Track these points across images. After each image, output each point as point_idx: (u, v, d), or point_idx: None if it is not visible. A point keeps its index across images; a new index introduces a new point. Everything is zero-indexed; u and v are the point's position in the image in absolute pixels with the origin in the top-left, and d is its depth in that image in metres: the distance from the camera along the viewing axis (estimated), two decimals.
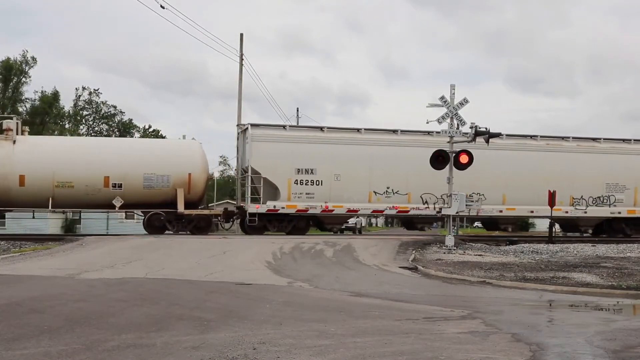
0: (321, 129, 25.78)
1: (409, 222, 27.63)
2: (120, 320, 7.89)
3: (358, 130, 26.09)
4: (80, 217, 36.12)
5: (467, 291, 11.99)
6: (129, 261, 15.45)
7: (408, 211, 25.52)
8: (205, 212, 24.86)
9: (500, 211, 26.00)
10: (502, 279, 13.32)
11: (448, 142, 21.38)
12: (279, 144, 24.63)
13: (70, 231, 36.89)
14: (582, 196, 26.92)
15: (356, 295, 11.01)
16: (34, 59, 57.02)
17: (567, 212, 26.69)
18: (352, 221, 38.21)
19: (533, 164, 26.44)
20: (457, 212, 22.21)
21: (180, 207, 23.40)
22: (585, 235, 28.22)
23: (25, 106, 59.09)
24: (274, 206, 24.34)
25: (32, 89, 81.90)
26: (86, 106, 66.47)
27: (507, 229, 27.99)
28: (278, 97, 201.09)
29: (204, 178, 24.40)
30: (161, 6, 30.95)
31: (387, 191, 25.20)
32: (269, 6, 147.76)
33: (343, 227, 29.95)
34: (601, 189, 27.02)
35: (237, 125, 26.88)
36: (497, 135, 23.92)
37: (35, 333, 7.01)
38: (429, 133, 25.75)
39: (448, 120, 21.28)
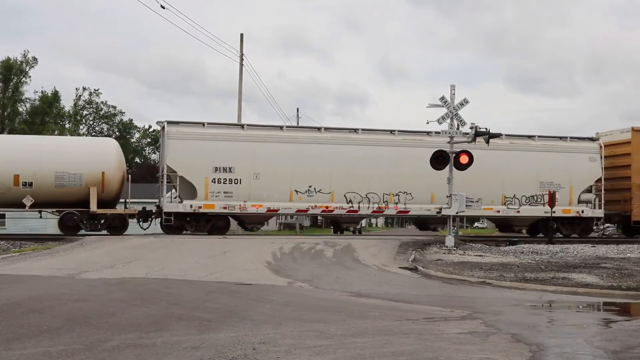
0: (242, 126, 25.09)
1: (335, 222, 26.87)
2: (120, 320, 7.89)
3: (280, 127, 25.61)
4: None
5: (467, 291, 12.00)
6: (128, 261, 15.45)
7: (332, 210, 24.71)
8: (119, 211, 24.17)
9: (429, 210, 25.05)
10: (502, 280, 13.32)
11: (448, 142, 21.38)
12: (196, 142, 23.86)
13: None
14: (514, 195, 26.16)
15: (356, 295, 11.01)
16: (34, 59, 57.14)
17: (498, 211, 25.95)
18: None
19: None
20: (371, 212, 22.42)
21: (93, 207, 22.86)
22: (520, 235, 27.40)
23: (25, 106, 59.11)
24: (191, 205, 23.61)
25: (32, 89, 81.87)
26: (86, 106, 66.51)
27: (436, 229, 27.14)
28: (277, 96, 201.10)
29: (119, 177, 23.70)
30: (161, 6, 31.04)
31: (309, 190, 24.42)
32: (267, 5, 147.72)
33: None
34: (535, 188, 26.26)
35: (157, 123, 26.15)
36: (497, 135, 23.90)
37: (35, 333, 7.01)
38: (355, 130, 25.39)
39: (448, 120, 21.30)
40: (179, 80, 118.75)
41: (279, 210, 24.88)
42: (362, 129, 25.59)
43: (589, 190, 26.96)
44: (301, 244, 19.47)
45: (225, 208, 23.82)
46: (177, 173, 23.88)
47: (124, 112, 67.81)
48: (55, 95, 60.25)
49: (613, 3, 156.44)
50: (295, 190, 24.32)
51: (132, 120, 71.63)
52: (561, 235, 26.49)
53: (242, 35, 39.31)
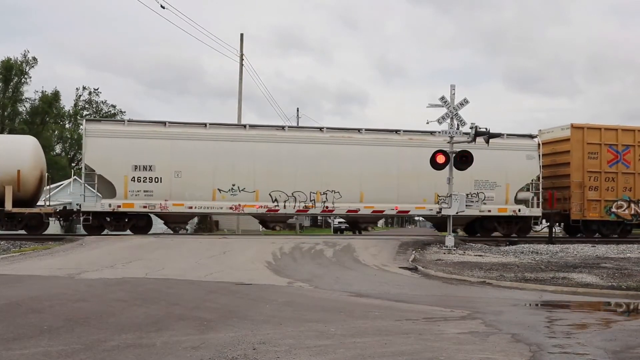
0: (164, 123, 24.36)
1: (262, 221, 26.26)
2: (120, 320, 7.89)
3: (204, 125, 25.15)
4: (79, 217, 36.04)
5: (467, 291, 11.99)
6: (128, 261, 15.46)
7: (258, 209, 24.15)
8: (36, 210, 23.60)
9: (358, 209, 24.66)
10: (502, 280, 13.32)
11: (448, 142, 21.39)
12: (115, 140, 23.26)
13: (70, 231, 36.86)
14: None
15: (356, 295, 11.01)
16: (34, 59, 57.17)
17: (431, 209, 25.12)
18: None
19: (391, 160, 24.97)
20: (294, 209, 22.42)
21: (8, 206, 22.43)
22: (456, 232, 26.68)
23: (25, 106, 59.13)
24: (110, 204, 23.09)
25: (32, 89, 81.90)
26: (86, 106, 66.52)
27: (367, 228, 26.54)
28: (275, 96, 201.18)
29: (36, 175, 23.16)
30: (161, 6, 31.05)
31: (232, 188, 23.91)
32: (265, 4, 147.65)
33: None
34: (469, 186, 25.25)
35: (78, 121, 25.83)
36: (498, 135, 23.90)
37: (35, 333, 7.01)
38: (283, 128, 25.12)
39: (448, 120, 21.33)
40: (177, 80, 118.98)
41: (201, 209, 24.19)
42: (289, 127, 25.33)
43: (526, 189, 26.31)
44: (301, 244, 19.48)
45: (145, 207, 23.31)
46: (95, 171, 23.35)
47: (125, 112, 67.77)
48: (56, 95, 60.29)
49: (613, 2, 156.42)
50: (218, 189, 23.81)
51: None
52: (500, 235, 25.74)
53: (242, 35, 39.35)
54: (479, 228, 26.31)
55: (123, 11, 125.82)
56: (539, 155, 26.26)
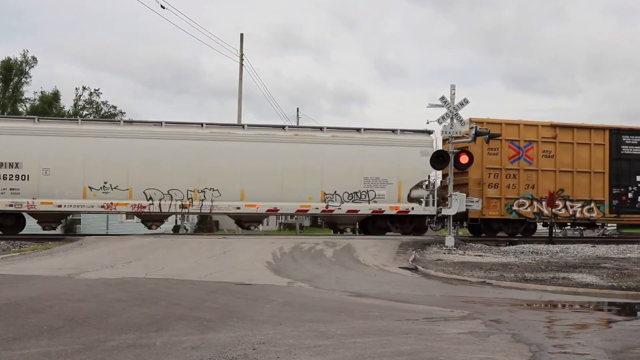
0: (33, 119, 23.70)
1: (143, 220, 25.20)
2: (119, 320, 7.89)
3: (76, 120, 24.41)
4: (80, 217, 36.14)
5: (467, 291, 11.99)
6: (128, 261, 15.45)
7: (131, 207, 23.37)
8: None
9: (238, 208, 23.87)
10: (502, 280, 13.32)
11: (449, 142, 21.40)
12: None
13: (70, 231, 36.91)
14: (335, 191, 24.32)
15: (356, 295, 11.01)
16: (34, 58, 57.16)
17: (317, 208, 24.33)
18: None
19: (275, 157, 24.08)
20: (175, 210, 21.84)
21: None
22: (345, 232, 25.98)
23: (25, 106, 59.18)
24: None
25: (32, 89, 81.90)
26: (86, 106, 66.53)
27: (250, 227, 25.76)
28: (274, 95, 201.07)
29: None
30: (161, 6, 31.05)
31: (104, 186, 23.01)
32: (263, 4, 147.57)
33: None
34: (359, 184, 24.43)
35: None
36: (498, 135, 23.91)
37: (35, 333, 7.01)
38: (160, 124, 24.29)
39: (448, 120, 21.33)
40: (176, 79, 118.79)
41: (70, 207, 23.24)
42: (166, 122, 24.44)
43: (420, 186, 25.14)
44: (301, 244, 19.48)
45: (11, 205, 22.45)
46: None
47: (125, 112, 67.73)
48: (56, 95, 60.28)
49: (612, 1, 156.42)
50: (89, 187, 23.07)
51: (131, 120, 71.51)
52: (398, 234, 24.77)
53: (242, 35, 39.31)
54: (371, 227, 25.17)
55: (121, 11, 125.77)
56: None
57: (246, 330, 7.38)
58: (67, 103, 64.85)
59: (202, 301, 9.69)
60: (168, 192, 23.44)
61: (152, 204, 23.39)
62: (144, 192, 23.31)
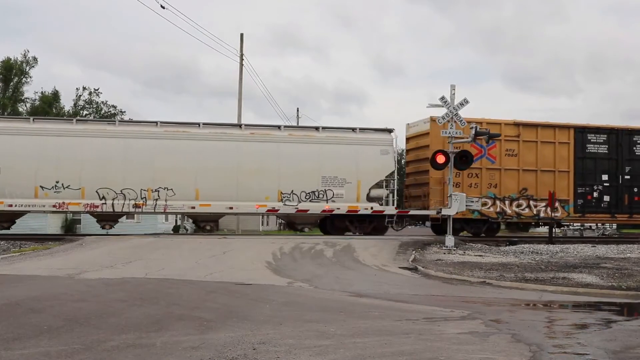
0: None
1: (97, 220, 24.79)
2: (120, 320, 7.89)
3: (27, 119, 23.91)
4: (80, 217, 36.15)
5: (467, 291, 12.00)
6: (128, 261, 15.45)
7: (82, 207, 23.11)
8: None
9: (193, 207, 23.51)
10: (502, 280, 13.32)
11: (449, 142, 21.40)
12: None
13: (70, 231, 36.91)
14: (292, 191, 24.01)
15: (356, 295, 11.01)
16: (34, 58, 57.18)
17: (274, 208, 24.09)
18: None
19: (232, 155, 23.79)
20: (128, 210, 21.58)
21: None
22: (304, 231, 25.48)
23: (25, 106, 59.19)
24: None
25: (32, 89, 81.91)
26: (86, 106, 66.51)
27: (205, 227, 25.45)
28: (273, 95, 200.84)
29: None
30: (161, 6, 31.04)
31: (56, 186, 22.65)
32: (263, 4, 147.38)
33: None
34: (317, 183, 24.08)
35: None
36: (497, 135, 23.90)
37: (35, 333, 7.01)
38: (114, 122, 24.09)
39: (448, 120, 21.33)
40: (175, 79, 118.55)
41: (22, 207, 22.80)
42: (120, 121, 24.36)
43: (380, 186, 24.64)
44: (301, 244, 19.48)
45: None
46: None
47: (124, 112, 67.73)
48: (56, 95, 60.30)
49: (612, 1, 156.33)
50: (41, 186, 22.63)
51: (131, 119, 71.51)
52: (357, 234, 24.34)
53: (242, 35, 39.28)
54: (329, 227, 24.81)
55: (120, 10, 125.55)
56: (395, 151, 25.13)
57: (246, 330, 7.38)
58: (66, 103, 64.84)
59: (202, 301, 9.69)
60: (121, 191, 23.13)
61: (105, 203, 23.09)
62: (96, 192, 23.02)
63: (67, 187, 22.79)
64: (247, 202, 23.77)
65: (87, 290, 10.64)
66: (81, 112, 65.45)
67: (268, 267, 15.07)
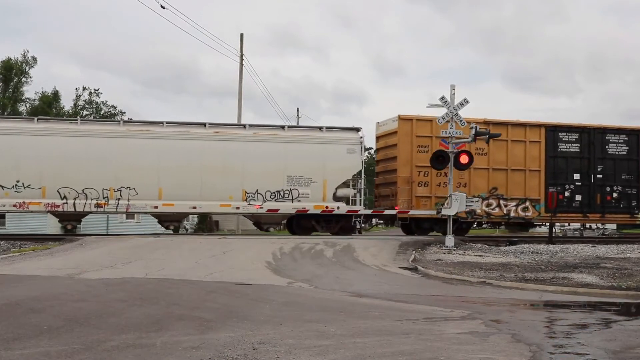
0: None
1: (60, 220, 25.12)
2: (119, 320, 7.89)
3: None
4: None
5: (467, 291, 12.00)
6: (128, 261, 15.46)
7: (44, 207, 22.95)
8: None
9: (156, 207, 23.38)
10: (502, 280, 13.33)
11: (449, 142, 21.41)
12: None
13: (70, 231, 36.91)
14: (257, 190, 23.95)
15: (356, 295, 11.01)
16: (34, 58, 57.18)
17: (238, 207, 23.87)
18: None
19: (194, 154, 23.63)
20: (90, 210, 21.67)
21: None
22: (269, 230, 25.40)
23: (25, 106, 59.18)
24: None
25: (32, 89, 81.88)
26: (86, 106, 66.50)
27: (169, 227, 25.43)
28: (273, 95, 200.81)
29: None
30: (161, 6, 31.06)
31: (16, 185, 22.49)
32: (263, 4, 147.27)
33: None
34: (282, 183, 23.95)
35: None
36: (497, 135, 23.88)
37: (35, 333, 7.01)
38: (76, 121, 23.95)
39: (449, 120, 21.34)
40: (175, 79, 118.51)
41: None
42: (82, 120, 24.36)
43: (347, 185, 24.51)
44: (301, 244, 19.48)
45: None
46: None
47: (124, 112, 67.71)
48: (56, 95, 60.30)
49: (612, 1, 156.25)
50: (1, 186, 22.48)
51: (131, 119, 71.48)
52: (328, 234, 24.29)
53: (242, 35, 39.32)
54: (296, 227, 24.70)
55: (119, 10, 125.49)
56: (362, 150, 24.74)
57: (246, 330, 7.39)
58: (66, 103, 64.83)
59: (202, 301, 9.69)
60: (83, 190, 23.02)
61: (67, 203, 22.96)
62: (57, 191, 22.89)
63: (27, 187, 22.66)
64: (211, 201, 23.71)
65: (87, 290, 10.64)
66: (81, 112, 65.46)
67: (268, 267, 15.08)
